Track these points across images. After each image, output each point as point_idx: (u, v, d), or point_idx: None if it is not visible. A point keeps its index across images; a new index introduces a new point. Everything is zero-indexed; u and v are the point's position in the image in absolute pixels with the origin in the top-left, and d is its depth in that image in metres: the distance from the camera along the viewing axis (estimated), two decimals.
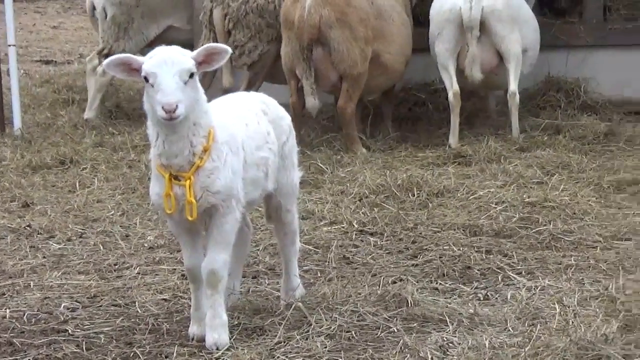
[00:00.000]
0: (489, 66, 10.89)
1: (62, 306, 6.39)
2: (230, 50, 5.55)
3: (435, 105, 12.20)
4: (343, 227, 8.01)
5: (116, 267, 7.30)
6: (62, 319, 6.18)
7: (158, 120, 5.29)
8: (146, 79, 5.27)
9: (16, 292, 6.76)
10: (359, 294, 6.39)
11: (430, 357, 5.39)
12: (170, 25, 13.08)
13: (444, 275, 6.89)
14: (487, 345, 5.46)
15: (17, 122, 12.32)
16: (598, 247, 7.44)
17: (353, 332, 5.81)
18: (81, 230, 8.22)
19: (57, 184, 9.82)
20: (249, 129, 5.76)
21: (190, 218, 5.40)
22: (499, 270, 6.93)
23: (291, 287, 6.34)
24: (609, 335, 5.37)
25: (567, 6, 12.99)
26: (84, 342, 5.75)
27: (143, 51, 11.98)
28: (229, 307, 5.96)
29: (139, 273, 7.11)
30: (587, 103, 12.20)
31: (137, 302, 6.42)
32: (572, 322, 5.72)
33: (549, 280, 6.67)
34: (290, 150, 6.18)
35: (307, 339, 5.71)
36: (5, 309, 6.34)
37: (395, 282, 6.69)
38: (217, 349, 5.56)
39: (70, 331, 5.95)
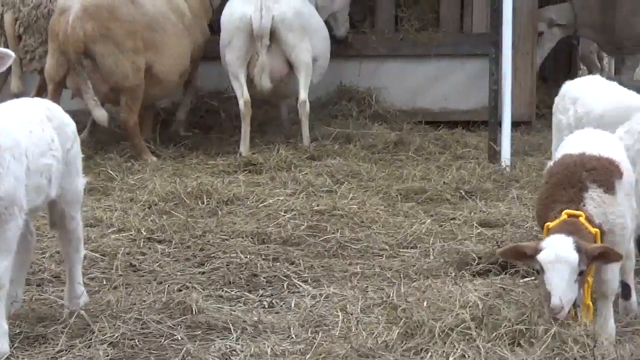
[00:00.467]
0: (279, 75, 10.91)
1: None
2: (13, 54, 5.46)
3: (228, 113, 12.14)
4: (131, 235, 7.86)
5: None
6: None
7: None
8: None
9: None
10: (144, 301, 6.29)
11: None
12: None
13: (230, 282, 6.86)
14: (269, 352, 5.48)
15: None
16: (384, 255, 7.56)
17: (136, 340, 5.71)
18: None
19: None
20: (33, 136, 5.60)
21: None
22: (285, 278, 6.94)
23: (75, 294, 6.17)
24: (389, 342, 5.46)
25: (359, 16, 13.16)
26: None
27: None
28: (10, 315, 5.77)
29: None
30: (378, 112, 12.39)
31: None
32: (355, 329, 5.77)
33: (334, 288, 6.72)
34: (74, 157, 6.03)
35: (89, 347, 5.59)
36: None
37: (180, 290, 6.61)
38: None
39: None
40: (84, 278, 6.35)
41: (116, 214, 8.33)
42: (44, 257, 7.29)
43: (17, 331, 5.74)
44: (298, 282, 6.88)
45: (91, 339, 5.67)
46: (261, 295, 6.64)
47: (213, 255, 7.40)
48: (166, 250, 7.54)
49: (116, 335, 5.72)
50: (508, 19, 10.48)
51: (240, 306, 6.40)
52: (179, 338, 5.74)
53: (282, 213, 8.41)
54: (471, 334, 5.51)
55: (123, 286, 6.68)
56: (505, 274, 6.84)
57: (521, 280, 6.65)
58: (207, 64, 11.46)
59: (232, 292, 6.67)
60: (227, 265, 7.16)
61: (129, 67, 10.40)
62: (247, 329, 5.89)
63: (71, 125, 6.03)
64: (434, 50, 12.66)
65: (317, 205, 8.62)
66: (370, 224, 8.28)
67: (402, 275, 6.98)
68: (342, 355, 5.32)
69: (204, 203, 8.72)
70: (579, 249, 5.29)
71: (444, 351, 5.37)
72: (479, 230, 8.00)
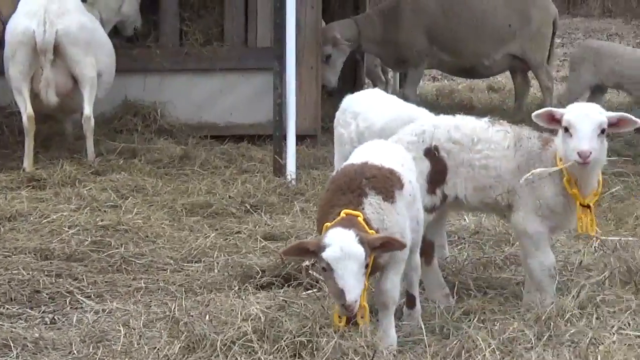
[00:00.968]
0: (64, 90, 10.73)
1: None
2: None
3: (11, 129, 11.83)
4: None
5: None
6: None
7: None
8: None
9: None
10: None
11: None
12: None
13: (11, 299, 6.74)
14: None
15: None
16: (168, 270, 7.58)
17: None
18: None
19: None
20: None
21: None
22: (67, 294, 6.87)
23: None
24: (171, 356, 5.50)
25: (144, 30, 13.07)
26: None
27: None
28: None
29: None
30: (163, 127, 12.32)
31: None
32: (137, 344, 5.78)
33: (117, 303, 6.71)
34: None
35: None
36: None
37: None
38: None
39: None
40: None
41: None
42: None
43: None
44: (81, 298, 6.82)
45: None
46: (43, 312, 6.56)
47: None
48: None
49: None
50: (291, 33, 10.66)
51: (21, 323, 6.32)
52: None
53: (66, 229, 8.30)
54: (253, 347, 5.60)
55: None
56: (288, 286, 6.95)
57: (303, 293, 6.76)
58: None
59: (13, 309, 6.56)
60: (8, 282, 7.01)
61: None
62: (27, 346, 5.82)
63: None
64: (219, 65, 12.66)
65: (102, 221, 8.56)
66: (155, 239, 8.28)
67: (185, 290, 7.02)
68: None
69: None
70: (362, 242, 5.33)
71: None
72: (263, 244, 8.10)
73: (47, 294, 6.87)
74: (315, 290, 6.70)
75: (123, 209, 9.03)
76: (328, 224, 5.50)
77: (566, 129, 6.20)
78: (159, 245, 8.10)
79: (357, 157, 6.02)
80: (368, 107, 7.53)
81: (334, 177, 5.93)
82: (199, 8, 13.15)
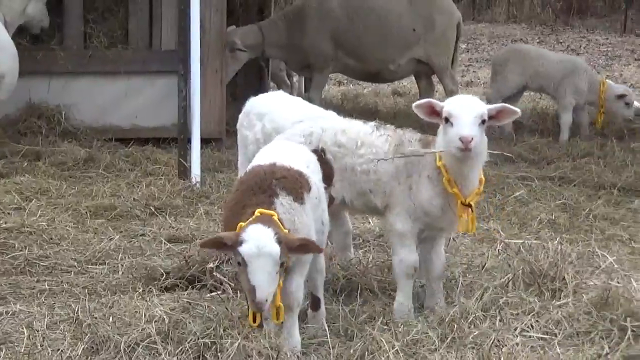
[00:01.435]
0: None
1: None
2: None
3: None
4: None
5: None
6: None
7: None
8: None
9: None
10: None
11: None
12: None
13: None
14: None
15: None
16: (72, 272, 7.54)
17: None
18: None
19: None
20: None
21: None
22: None
23: None
24: (74, 357, 5.46)
25: (49, 32, 12.91)
26: None
27: None
28: None
29: None
30: (68, 130, 12.26)
31: None
32: (40, 346, 5.72)
33: (20, 305, 6.63)
34: None
35: None
36: None
37: None
38: None
39: None
40: None
41: None
42: None
43: None
44: None
45: None
46: None
47: None
48: None
49: None
50: (196, 36, 10.65)
51: None
52: None
53: None
54: (157, 348, 5.58)
55: None
56: (192, 288, 6.94)
57: (208, 295, 6.75)
58: None
59: None
60: None
61: None
62: None
63: None
64: (123, 67, 12.62)
65: (5, 223, 8.46)
66: (59, 241, 8.22)
67: (89, 292, 6.99)
68: None
69: None
70: (279, 241, 5.33)
71: None
72: (167, 246, 8.09)
73: None
74: (219, 292, 6.68)
75: (27, 211, 8.94)
76: (242, 223, 5.47)
77: (447, 120, 6.24)
78: (63, 248, 8.04)
79: (264, 157, 6.02)
80: (274, 108, 7.53)
81: (243, 178, 5.92)
82: (103, 10, 13.06)
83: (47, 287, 7.13)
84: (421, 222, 6.49)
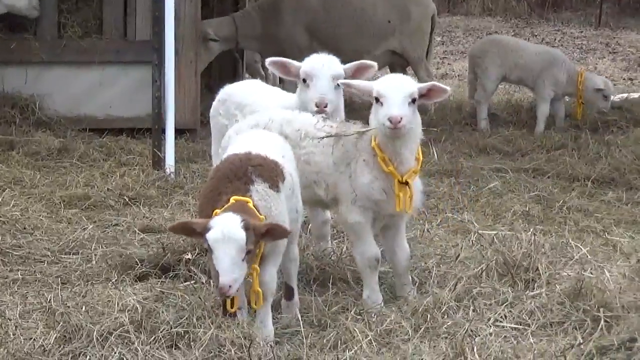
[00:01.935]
0: None
1: None
2: None
3: None
4: None
5: None
6: None
7: None
8: None
9: None
10: None
11: None
12: None
13: None
14: None
15: None
16: (46, 262, 7.52)
17: None
18: None
19: None
20: None
21: None
22: None
23: None
24: (47, 346, 5.45)
25: (24, 22, 12.84)
26: None
27: None
28: None
29: None
30: (42, 119, 12.20)
31: None
32: (12, 334, 5.70)
33: None
34: None
35: None
36: None
37: None
38: None
39: None
40: None
41: None
42: None
43: None
44: None
45: None
46: None
47: None
48: None
49: None
50: (170, 26, 10.62)
51: None
52: None
53: None
54: (130, 337, 5.58)
55: None
56: (166, 278, 6.93)
57: (181, 284, 6.74)
58: None
59: None
60: None
61: None
62: None
63: None
64: (97, 57, 12.54)
65: None
66: (33, 231, 8.20)
67: (62, 281, 6.99)
68: None
69: None
70: (246, 227, 5.34)
71: (102, 354, 5.42)
72: (141, 236, 8.06)
73: None
74: (192, 281, 6.67)
75: (0, 200, 8.90)
76: (218, 210, 5.50)
77: (377, 99, 6.29)
78: (36, 237, 8.01)
79: (239, 146, 6.02)
80: (255, 99, 7.50)
81: (218, 166, 5.94)
82: (77, 0, 12.96)
83: (20, 276, 7.11)
84: (370, 210, 6.48)
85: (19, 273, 7.18)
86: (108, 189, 9.54)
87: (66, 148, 11.24)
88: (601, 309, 6.07)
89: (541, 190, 10.06)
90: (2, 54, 11.80)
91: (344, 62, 7.69)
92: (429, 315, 6.17)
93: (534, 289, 6.56)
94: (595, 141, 12.30)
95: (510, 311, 6.25)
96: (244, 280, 5.56)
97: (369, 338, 5.80)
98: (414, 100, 6.28)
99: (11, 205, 8.76)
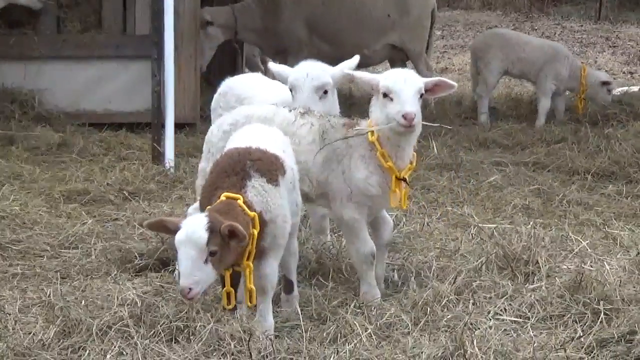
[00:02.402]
0: None
1: None
2: None
3: None
4: None
5: None
6: None
7: None
8: None
9: None
10: None
11: None
12: None
13: None
14: None
15: None
16: (45, 256, 7.50)
17: None
18: None
19: None
20: None
21: None
22: None
23: None
24: (46, 340, 5.45)
25: (23, 17, 12.84)
26: None
27: None
28: None
29: None
30: (41, 114, 12.19)
31: None
32: (12, 329, 5.70)
33: None
34: None
35: None
36: None
37: None
38: None
39: None
40: None
41: None
42: None
43: None
44: None
45: None
46: None
47: None
48: None
49: None
50: (170, 20, 10.59)
51: None
52: None
53: None
54: (129, 331, 5.58)
55: None
56: (165, 272, 6.93)
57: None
58: None
59: None
60: None
61: None
62: None
63: None
64: (97, 52, 12.55)
65: None
66: (32, 225, 8.19)
67: (62, 275, 6.96)
68: None
69: None
70: (211, 229, 5.28)
71: (101, 349, 5.41)
72: (141, 231, 8.03)
73: None
74: None
75: (0, 195, 8.87)
76: (210, 207, 5.48)
77: (385, 95, 6.25)
78: (36, 232, 8.00)
79: (239, 141, 6.00)
80: (255, 92, 7.47)
81: (218, 160, 5.91)
82: None
83: (19, 271, 7.10)
84: (365, 206, 6.46)
85: (18, 268, 7.17)
86: (108, 184, 9.53)
87: (66, 143, 11.25)
88: (601, 302, 6.08)
89: (541, 184, 10.06)
90: (1, 49, 11.81)
91: (343, 56, 7.68)
92: (428, 309, 6.17)
93: (533, 282, 6.57)
94: (595, 135, 12.29)
95: (510, 304, 6.26)
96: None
97: (368, 331, 5.80)
98: (421, 96, 6.27)
99: (11, 200, 8.75)
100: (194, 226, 5.29)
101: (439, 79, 6.47)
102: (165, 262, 7.05)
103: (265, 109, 6.68)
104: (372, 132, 6.33)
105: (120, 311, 5.76)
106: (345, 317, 5.97)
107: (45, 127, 11.80)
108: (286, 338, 5.86)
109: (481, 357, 5.42)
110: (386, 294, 6.65)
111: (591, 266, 6.77)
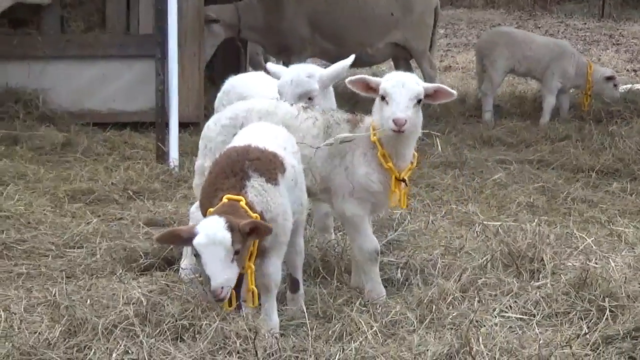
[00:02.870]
0: None
1: None
2: None
3: None
4: None
5: None
6: None
7: None
8: None
9: None
10: None
11: None
12: None
13: None
14: None
15: None
16: (50, 256, 7.50)
17: None
18: None
19: None
20: None
21: None
22: None
23: None
24: (52, 339, 5.45)
25: (26, 17, 12.85)
26: None
27: None
28: None
29: None
30: (45, 114, 12.22)
31: None
32: (18, 328, 5.71)
33: None
34: None
35: None
36: None
37: None
38: None
39: None
40: None
41: None
42: None
43: None
44: None
45: None
46: None
47: None
48: None
49: None
50: (173, 19, 10.60)
51: None
52: None
53: None
54: (135, 330, 5.57)
55: None
56: (170, 270, 6.93)
57: (186, 277, 6.74)
58: None
59: None
60: None
61: None
62: None
63: None
64: (100, 52, 12.57)
65: None
66: (37, 225, 8.19)
67: (67, 275, 6.96)
68: (4, 355, 5.25)
69: None
70: (231, 228, 5.29)
71: (107, 347, 5.41)
72: (145, 230, 8.05)
73: None
74: (197, 274, 6.66)
75: (4, 195, 8.91)
76: (212, 209, 5.48)
77: (383, 97, 6.25)
78: (40, 232, 8.00)
79: (240, 140, 6.00)
80: (258, 90, 7.47)
81: (217, 160, 5.88)
82: None
83: (24, 270, 7.10)
84: (367, 202, 6.45)
85: (23, 267, 7.18)
86: (112, 183, 9.54)
87: (70, 142, 11.25)
88: (606, 299, 6.08)
89: (545, 182, 10.06)
90: (5, 49, 11.81)
91: (346, 54, 7.66)
92: (434, 306, 6.17)
93: (539, 279, 6.57)
94: (599, 132, 12.29)
95: (516, 301, 6.26)
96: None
97: (374, 329, 5.80)
98: (419, 101, 6.26)
99: (15, 199, 8.76)
100: (214, 228, 5.29)
101: (439, 85, 6.46)
102: (170, 261, 7.05)
103: (266, 103, 6.66)
104: (374, 132, 6.33)
105: (126, 310, 5.75)
106: (351, 315, 5.97)
107: (50, 127, 11.81)
108: (292, 336, 5.85)
109: (487, 354, 5.41)
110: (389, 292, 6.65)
111: (596, 263, 6.76)
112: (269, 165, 5.73)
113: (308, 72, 7.08)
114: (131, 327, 5.62)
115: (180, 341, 5.57)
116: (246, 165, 5.66)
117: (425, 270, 7.00)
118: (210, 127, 6.66)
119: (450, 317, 6.02)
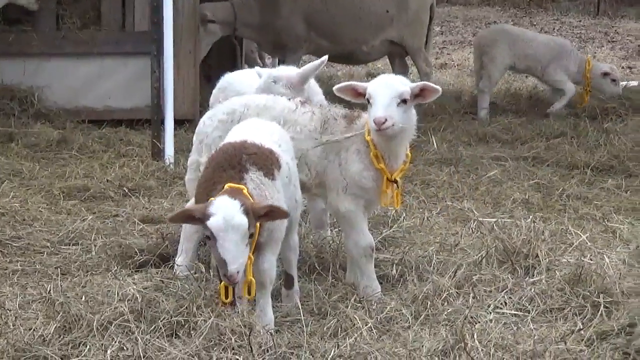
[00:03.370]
0: None
1: None
2: None
3: None
4: None
5: None
6: None
7: None
8: None
9: None
10: None
11: None
12: None
13: None
14: None
15: None
16: (45, 253, 7.51)
17: None
18: None
19: None
20: None
21: None
22: None
23: None
24: (47, 336, 5.45)
25: (22, 14, 12.83)
26: None
27: None
28: None
29: None
30: (41, 111, 12.20)
31: None
32: (12, 325, 5.70)
33: None
34: None
35: None
36: None
37: None
38: None
39: None
40: None
41: None
42: None
43: None
44: None
45: None
46: None
47: None
48: None
49: None
50: (169, 16, 10.60)
51: None
52: None
53: None
54: (130, 327, 5.58)
55: None
56: (165, 267, 6.92)
57: (181, 274, 6.73)
58: None
59: None
60: None
61: None
62: None
63: None
64: (96, 49, 12.56)
65: None
66: (32, 222, 8.20)
67: (62, 272, 6.97)
68: None
69: None
70: (247, 212, 5.29)
71: (102, 344, 5.42)
72: (141, 227, 8.05)
73: None
74: (192, 271, 6.66)
75: (0, 192, 8.87)
76: (213, 199, 5.45)
77: (368, 100, 6.27)
78: (35, 229, 8.01)
79: (235, 135, 6.00)
80: (254, 87, 7.46)
81: (213, 155, 5.89)
82: None
83: (19, 267, 7.10)
84: (361, 198, 6.45)
85: (18, 264, 7.18)
86: (107, 180, 9.54)
87: (65, 139, 11.24)
88: (601, 295, 6.10)
89: (540, 178, 10.07)
90: (0, 46, 11.79)
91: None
92: (429, 303, 6.18)
93: (533, 275, 6.58)
94: (595, 129, 12.31)
95: (510, 298, 6.27)
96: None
97: (369, 325, 5.81)
98: (404, 101, 6.25)
99: (10, 196, 8.77)
100: (230, 210, 5.27)
101: (424, 83, 6.44)
102: (166, 257, 7.04)
103: (263, 98, 6.68)
104: (368, 131, 6.34)
105: (121, 306, 5.76)
106: (346, 311, 5.98)
107: (45, 124, 11.81)
108: (287, 332, 5.86)
109: (481, 350, 5.42)
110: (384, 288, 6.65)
111: (591, 259, 6.77)
112: (266, 161, 5.74)
113: (284, 76, 7.14)
114: (126, 323, 5.62)
115: (175, 337, 5.59)
116: (244, 159, 5.66)
117: (420, 266, 6.99)
118: (206, 123, 6.67)
119: (445, 313, 6.03)
